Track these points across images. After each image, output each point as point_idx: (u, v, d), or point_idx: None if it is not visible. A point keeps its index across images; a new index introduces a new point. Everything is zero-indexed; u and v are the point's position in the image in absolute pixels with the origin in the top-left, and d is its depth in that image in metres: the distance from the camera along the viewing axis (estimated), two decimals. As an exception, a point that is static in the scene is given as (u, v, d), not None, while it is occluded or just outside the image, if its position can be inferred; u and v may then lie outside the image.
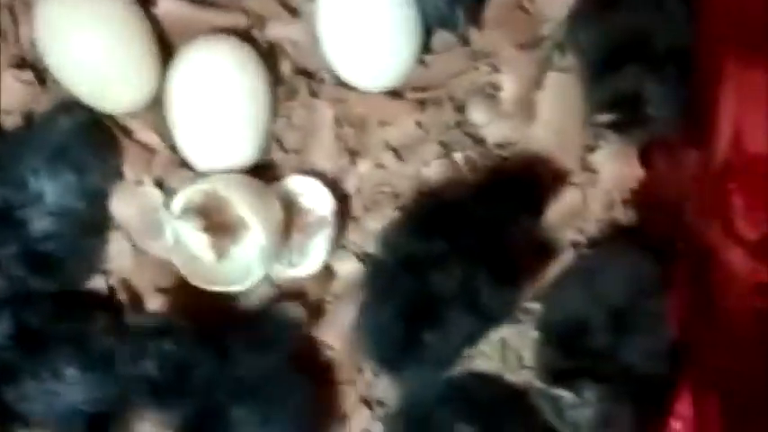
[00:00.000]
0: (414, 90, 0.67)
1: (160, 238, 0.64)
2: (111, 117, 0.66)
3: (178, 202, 0.62)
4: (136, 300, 0.65)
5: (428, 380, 0.62)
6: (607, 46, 0.60)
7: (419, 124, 0.66)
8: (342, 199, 0.66)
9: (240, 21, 0.66)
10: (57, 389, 0.61)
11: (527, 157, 0.66)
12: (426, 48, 0.67)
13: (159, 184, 0.66)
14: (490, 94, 0.67)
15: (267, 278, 0.65)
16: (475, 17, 0.66)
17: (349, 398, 0.66)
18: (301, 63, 0.67)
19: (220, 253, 0.63)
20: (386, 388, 0.65)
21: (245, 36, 0.66)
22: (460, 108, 0.67)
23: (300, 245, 0.65)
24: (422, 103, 0.67)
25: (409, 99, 0.67)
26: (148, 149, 0.66)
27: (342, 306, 0.65)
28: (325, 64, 0.66)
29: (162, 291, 0.65)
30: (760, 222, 0.53)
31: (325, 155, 0.66)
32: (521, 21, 0.67)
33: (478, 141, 0.67)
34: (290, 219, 0.65)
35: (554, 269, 0.65)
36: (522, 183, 0.65)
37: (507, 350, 0.66)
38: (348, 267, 0.66)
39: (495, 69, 0.67)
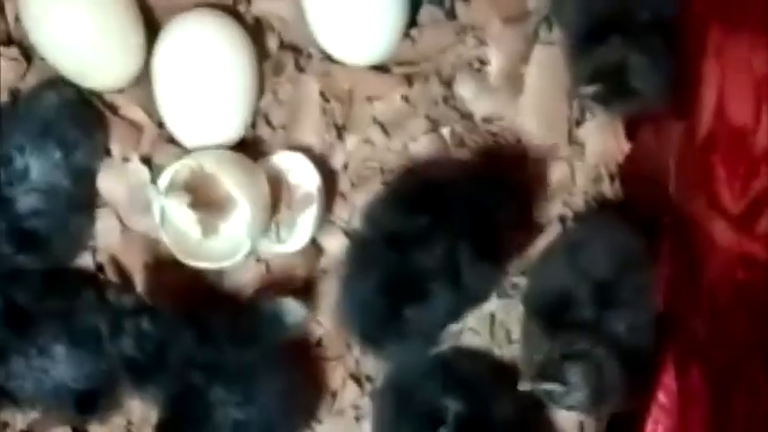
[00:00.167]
0: (400, 65, 0.67)
1: (147, 215, 0.64)
2: (97, 94, 0.66)
3: (165, 178, 0.62)
4: (124, 276, 0.65)
5: (410, 355, 0.62)
6: (591, 19, 0.60)
7: (406, 99, 0.66)
8: (329, 174, 0.66)
9: (226, -4, 0.66)
10: (45, 366, 0.61)
11: (513, 133, 0.66)
12: (413, 22, 0.67)
13: (146, 161, 0.66)
14: (477, 68, 0.67)
15: (254, 254, 0.65)
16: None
17: (338, 374, 0.66)
18: (288, 38, 0.67)
19: (208, 229, 0.63)
20: (375, 364, 0.65)
21: (231, 11, 0.66)
22: (448, 83, 0.67)
23: (288, 221, 0.65)
24: (409, 78, 0.67)
25: (396, 74, 0.67)
26: (135, 126, 0.66)
27: (330, 282, 0.65)
28: (312, 39, 0.66)
29: (149, 267, 0.65)
30: (743, 194, 0.53)
31: (311, 130, 0.66)
32: (507, -6, 0.67)
33: (466, 116, 0.67)
34: (277, 194, 0.65)
35: (541, 243, 0.65)
36: (508, 161, 0.65)
37: (495, 325, 0.66)
38: (336, 243, 0.66)
39: (482, 43, 0.67)
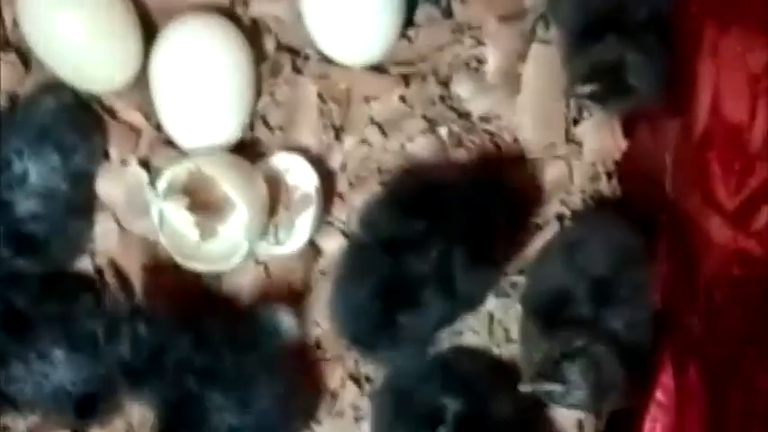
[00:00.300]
0: (397, 65, 0.67)
1: (146, 218, 0.64)
2: (95, 97, 0.66)
3: (163, 181, 0.62)
4: (122, 279, 0.65)
5: (403, 360, 0.62)
6: (587, 16, 0.60)
7: (403, 99, 0.66)
8: (327, 175, 0.66)
9: (223, -1, 0.66)
10: (44, 370, 0.61)
11: (510, 132, 0.66)
12: (410, 22, 0.67)
13: (144, 164, 0.66)
14: (474, 67, 0.67)
15: (253, 255, 0.65)
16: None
17: (337, 374, 0.66)
18: (285, 40, 0.67)
19: (206, 232, 0.63)
20: (374, 364, 0.65)
21: (228, 13, 0.66)
22: (445, 82, 0.67)
23: (286, 222, 0.65)
24: (406, 78, 0.67)
25: (393, 74, 0.67)
26: (133, 129, 0.66)
27: (328, 283, 0.65)
28: (309, 40, 0.66)
29: (148, 270, 0.65)
30: (738, 191, 0.53)
31: (309, 131, 0.66)
32: (504, -7, 0.67)
33: (463, 115, 0.67)
34: (275, 196, 0.65)
35: (538, 242, 0.65)
36: (506, 160, 0.65)
37: (494, 324, 0.66)
38: (334, 244, 0.66)
39: (479, 42, 0.67)
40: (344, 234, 0.66)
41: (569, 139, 0.66)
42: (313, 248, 0.66)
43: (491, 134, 0.67)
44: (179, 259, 0.63)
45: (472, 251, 0.59)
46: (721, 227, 0.54)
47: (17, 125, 0.64)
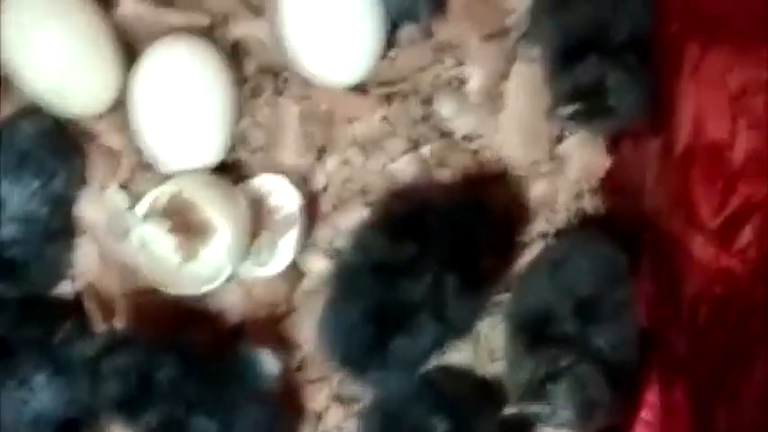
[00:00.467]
0: (379, 85, 0.67)
1: (127, 242, 0.64)
2: (74, 121, 0.66)
3: (143, 205, 0.62)
4: (103, 304, 0.65)
5: (393, 382, 0.62)
6: (568, 37, 0.60)
7: (385, 119, 0.66)
8: (309, 196, 0.66)
9: (203, 20, 0.66)
10: (25, 396, 0.60)
11: (494, 150, 0.66)
12: (391, 42, 0.66)
13: (125, 187, 0.65)
14: (456, 87, 0.67)
15: (236, 277, 0.65)
16: (439, 8, 0.65)
17: (322, 395, 0.66)
18: (266, 61, 0.67)
19: (188, 255, 0.62)
20: (359, 385, 0.65)
21: (208, 36, 0.66)
22: (427, 102, 0.67)
23: (269, 243, 0.65)
24: (388, 98, 0.67)
25: (375, 94, 0.67)
26: (113, 153, 0.66)
27: (312, 303, 0.65)
28: (290, 61, 0.66)
29: (129, 294, 0.65)
30: (720, 210, 0.53)
31: (291, 152, 0.66)
32: (485, 12, 0.67)
33: (446, 135, 0.67)
34: (257, 217, 0.65)
35: (524, 260, 0.65)
36: (490, 179, 0.65)
37: (480, 342, 0.66)
38: (317, 264, 0.66)
39: (461, 62, 0.67)
40: (328, 255, 0.66)
41: (553, 156, 0.66)
42: (296, 269, 0.66)
43: (474, 153, 0.67)
44: (160, 283, 0.63)
45: (463, 277, 0.58)
46: (704, 245, 0.54)
47: (-4, 150, 0.63)
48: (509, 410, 0.58)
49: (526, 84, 0.66)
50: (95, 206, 0.65)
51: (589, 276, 0.60)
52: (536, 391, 0.57)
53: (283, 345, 0.65)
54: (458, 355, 0.65)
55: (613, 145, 0.65)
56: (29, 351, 0.61)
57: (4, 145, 0.63)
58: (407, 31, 0.67)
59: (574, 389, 0.57)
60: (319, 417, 0.66)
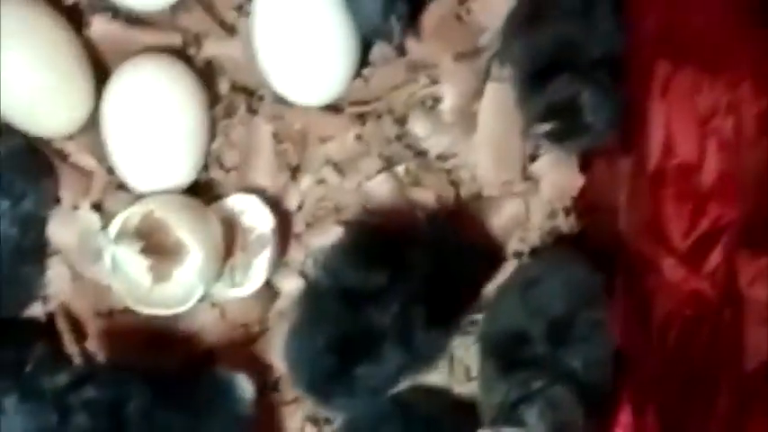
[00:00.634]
0: (353, 104, 0.67)
1: (99, 263, 0.63)
2: (45, 141, 0.65)
3: (115, 225, 0.62)
4: (75, 325, 0.64)
5: (357, 408, 0.61)
6: (539, 56, 0.60)
7: (359, 138, 0.66)
8: (283, 216, 0.66)
9: (175, 39, 0.66)
10: (-6, 418, 0.60)
11: (467, 170, 0.66)
12: (365, 61, 0.66)
13: (97, 208, 0.65)
14: (430, 106, 0.67)
15: (209, 298, 0.64)
16: (412, 27, 0.65)
17: (296, 417, 0.65)
18: (239, 80, 0.67)
19: (160, 276, 0.62)
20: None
21: (180, 55, 0.66)
22: (401, 121, 0.67)
23: (242, 264, 0.64)
24: (361, 117, 0.66)
25: (349, 113, 0.67)
26: (85, 173, 0.65)
27: (285, 324, 0.64)
28: (263, 81, 0.65)
29: (101, 315, 0.64)
30: (690, 232, 0.53)
31: (265, 172, 0.66)
32: (459, 31, 0.67)
33: (420, 154, 0.67)
34: (230, 238, 0.64)
35: (497, 280, 0.65)
36: (462, 201, 0.65)
37: (455, 362, 0.66)
38: (291, 285, 0.66)
39: (435, 81, 0.67)
40: (302, 275, 0.66)
41: (526, 176, 0.66)
42: (270, 290, 0.66)
43: (448, 172, 0.66)
44: (132, 304, 0.63)
45: (432, 312, 0.58)
46: (674, 267, 0.54)
47: (-34, 171, 0.63)
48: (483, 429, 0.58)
49: (499, 103, 0.66)
50: (67, 227, 0.65)
51: (562, 297, 0.60)
52: (509, 413, 0.57)
53: (257, 366, 0.65)
54: (432, 374, 0.65)
55: (586, 164, 0.65)
56: (0, 374, 0.60)
57: (-26, 166, 0.63)
58: (381, 50, 0.67)
59: (546, 411, 0.56)
60: (293, 438, 0.65)
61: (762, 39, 0.53)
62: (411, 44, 0.66)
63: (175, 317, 0.64)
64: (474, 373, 0.65)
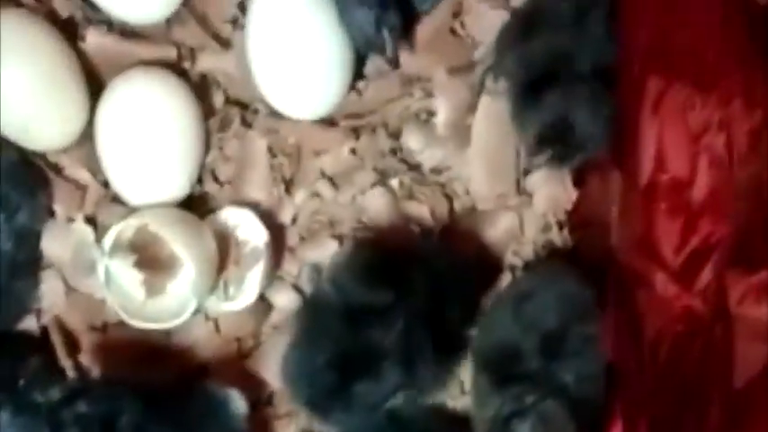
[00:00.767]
0: (347, 117, 0.67)
1: (92, 276, 0.63)
2: (40, 154, 0.65)
3: (109, 238, 0.62)
4: (69, 339, 0.64)
5: (356, 423, 0.61)
6: (532, 67, 0.61)
7: (354, 152, 0.66)
8: (277, 229, 0.66)
9: (170, 53, 0.66)
10: (-13, 432, 0.60)
11: (461, 183, 0.66)
12: (359, 75, 0.66)
13: (92, 221, 0.65)
14: (424, 119, 0.67)
15: (202, 312, 0.64)
16: (405, 39, 0.65)
17: (290, 430, 0.65)
18: (233, 94, 0.67)
19: (153, 289, 0.62)
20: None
21: (175, 68, 0.66)
22: (395, 134, 0.67)
23: (236, 277, 0.64)
24: (356, 131, 0.66)
25: (343, 127, 0.67)
26: (79, 186, 0.65)
27: (279, 338, 0.65)
28: (258, 94, 0.66)
29: (95, 329, 0.64)
30: (682, 248, 0.53)
31: (259, 186, 0.66)
32: (453, 45, 0.67)
33: (414, 167, 0.67)
34: (224, 251, 0.64)
35: (491, 293, 0.65)
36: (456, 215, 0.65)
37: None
38: (285, 298, 0.66)
39: (429, 95, 0.67)
40: (296, 288, 0.66)
41: (520, 189, 0.66)
42: (264, 303, 0.66)
43: (442, 186, 0.67)
44: (125, 318, 0.63)
45: (435, 333, 0.58)
46: (666, 283, 0.54)
47: (-40, 184, 0.63)
48: None
49: (493, 117, 0.66)
50: (61, 240, 0.65)
51: (555, 311, 0.60)
52: (501, 427, 0.57)
53: (251, 379, 0.65)
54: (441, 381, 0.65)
55: (580, 178, 0.66)
56: (-8, 388, 0.61)
57: (-32, 179, 0.63)
58: (375, 64, 0.67)
59: (539, 425, 0.56)
60: (287, 452, 0.65)
61: (753, 56, 0.54)
62: (405, 58, 0.66)
63: (169, 330, 0.64)
64: (468, 387, 0.65)
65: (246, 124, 0.66)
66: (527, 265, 0.66)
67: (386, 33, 0.64)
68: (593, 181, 0.65)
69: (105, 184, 0.65)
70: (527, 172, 0.67)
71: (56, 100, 0.63)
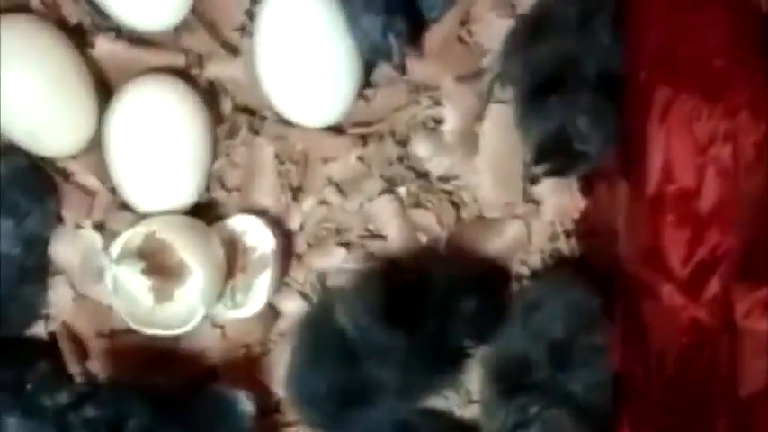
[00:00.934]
0: (355, 125, 0.67)
1: (101, 283, 0.63)
2: (49, 160, 0.66)
3: (117, 245, 0.62)
4: (77, 344, 0.65)
5: None
6: (539, 72, 0.60)
7: (361, 159, 0.66)
8: (285, 236, 0.66)
9: (179, 60, 0.66)
10: (-4, 437, 0.60)
11: (469, 192, 0.66)
12: (367, 83, 0.67)
13: (100, 228, 0.65)
14: (432, 127, 0.67)
15: (210, 318, 0.65)
16: (413, 47, 0.65)
17: (296, 438, 0.66)
18: (242, 101, 0.67)
19: (161, 296, 0.62)
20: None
21: (184, 75, 0.66)
22: (403, 142, 0.67)
23: (244, 284, 0.65)
24: (364, 138, 0.67)
25: (351, 134, 0.67)
26: (88, 192, 0.66)
27: (287, 345, 0.65)
28: (266, 101, 0.66)
29: (103, 335, 0.65)
30: (689, 259, 0.53)
31: (267, 193, 0.66)
32: (460, 53, 0.67)
33: (421, 175, 0.67)
34: (232, 258, 0.64)
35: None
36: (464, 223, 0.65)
37: (457, 385, 0.65)
38: (292, 305, 0.66)
39: (437, 103, 0.67)
40: (303, 295, 0.66)
41: (528, 198, 0.66)
42: (271, 310, 0.66)
43: (449, 194, 0.67)
44: (133, 324, 0.63)
45: (435, 359, 0.59)
46: (673, 294, 0.54)
47: (-30, 191, 0.63)
48: None
49: (501, 125, 0.66)
50: (69, 246, 0.65)
51: (563, 321, 0.60)
52: None
53: (258, 386, 0.65)
54: (434, 398, 0.65)
55: (588, 187, 0.65)
56: (2, 393, 0.61)
57: (-23, 185, 0.63)
58: (384, 72, 0.67)
59: None
60: (293, 460, 0.65)
61: (760, 67, 0.53)
62: (413, 66, 0.66)
63: (177, 337, 0.64)
64: (475, 396, 0.65)
65: (254, 131, 0.66)
66: (534, 274, 0.66)
67: (392, 39, 0.63)
68: (601, 190, 0.65)
69: (114, 191, 0.65)
70: (534, 180, 0.66)
71: (65, 106, 0.64)
